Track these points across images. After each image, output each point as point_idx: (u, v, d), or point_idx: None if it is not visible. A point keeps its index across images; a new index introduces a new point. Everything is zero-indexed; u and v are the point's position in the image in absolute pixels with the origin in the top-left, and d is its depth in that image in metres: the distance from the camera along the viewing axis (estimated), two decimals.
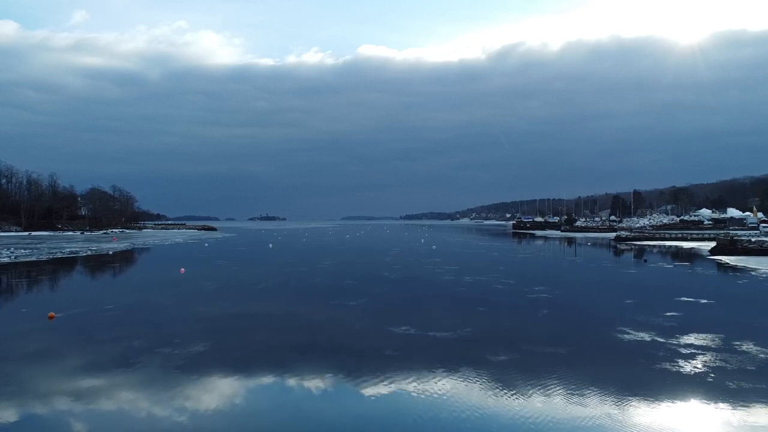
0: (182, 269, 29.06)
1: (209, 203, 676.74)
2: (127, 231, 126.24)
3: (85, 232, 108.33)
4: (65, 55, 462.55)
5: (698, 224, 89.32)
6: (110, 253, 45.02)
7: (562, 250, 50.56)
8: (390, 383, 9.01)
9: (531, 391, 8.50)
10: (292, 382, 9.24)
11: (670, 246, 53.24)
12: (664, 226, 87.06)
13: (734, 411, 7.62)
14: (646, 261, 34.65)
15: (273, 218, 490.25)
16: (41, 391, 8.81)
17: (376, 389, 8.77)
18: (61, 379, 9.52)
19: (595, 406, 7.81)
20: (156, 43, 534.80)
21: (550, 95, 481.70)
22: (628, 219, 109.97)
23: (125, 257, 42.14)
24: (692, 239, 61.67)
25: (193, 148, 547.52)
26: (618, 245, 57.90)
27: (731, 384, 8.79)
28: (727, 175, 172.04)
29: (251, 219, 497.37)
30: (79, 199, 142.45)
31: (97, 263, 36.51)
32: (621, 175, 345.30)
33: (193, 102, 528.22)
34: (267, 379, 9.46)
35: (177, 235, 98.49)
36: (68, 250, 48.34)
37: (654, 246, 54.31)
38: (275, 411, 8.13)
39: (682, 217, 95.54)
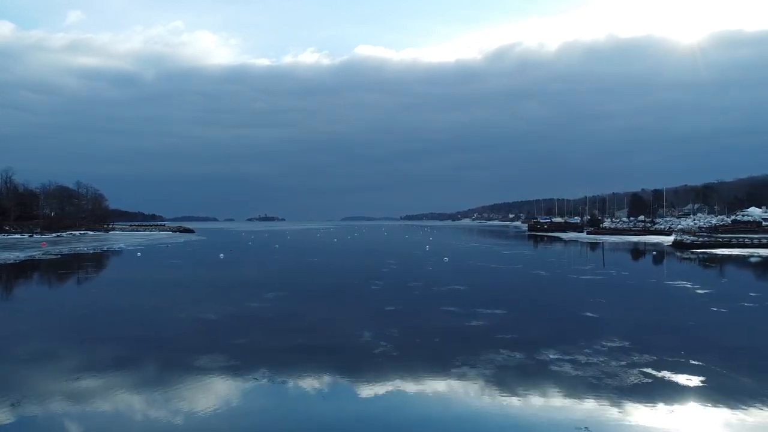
0: None
1: (209, 204, 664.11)
2: (91, 233, 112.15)
3: (35, 235, 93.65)
4: (61, 55, 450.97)
5: (757, 225, 74.26)
6: None
7: (633, 265, 35.57)
8: None
9: None
10: None
11: None
12: (718, 228, 71.92)
13: None
14: None
15: (272, 219, 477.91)
16: None
17: None
18: None
19: None
20: (152, 43, 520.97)
21: (548, 96, 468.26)
22: (663, 219, 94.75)
23: None
24: None
25: (192, 149, 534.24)
26: (684, 254, 43.18)
27: None
28: (734, 175, 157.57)
29: (250, 220, 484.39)
30: (41, 197, 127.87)
31: None
32: (622, 175, 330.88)
33: (191, 102, 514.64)
34: None
35: (137, 238, 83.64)
36: None
37: (741, 256, 39.42)
38: None
39: (734, 218, 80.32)
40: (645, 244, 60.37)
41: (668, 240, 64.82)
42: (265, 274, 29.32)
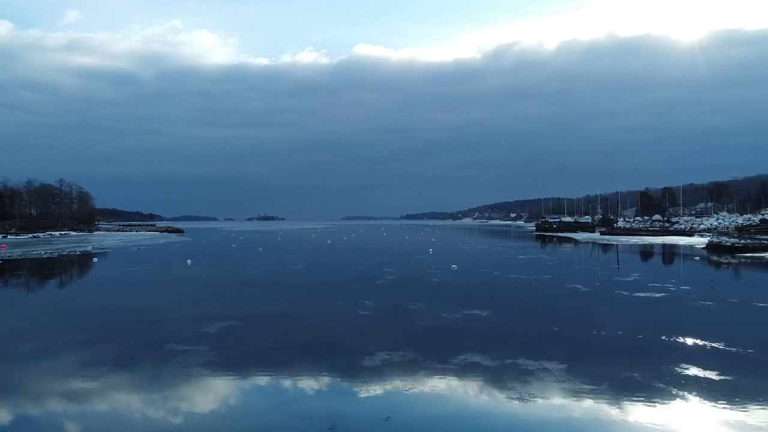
0: None
1: (210, 204, 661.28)
2: (74, 233, 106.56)
3: (9, 236, 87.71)
4: (59, 54, 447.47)
5: None
6: None
7: (684, 276, 29.37)
8: None
9: None
10: None
11: None
12: (750, 229, 65.62)
13: None
14: None
15: (272, 218, 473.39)
16: None
17: None
18: None
19: None
20: (150, 42, 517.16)
21: (546, 95, 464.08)
22: (682, 219, 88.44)
23: None
24: None
25: (191, 149, 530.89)
26: (723, 258, 37.17)
27: None
28: (738, 173, 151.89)
29: (249, 219, 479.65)
30: (24, 195, 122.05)
31: None
32: (623, 174, 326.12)
33: (189, 102, 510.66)
34: None
35: (115, 239, 77.63)
36: None
37: None
38: None
39: (761, 217, 74.06)
40: (672, 246, 54.20)
41: (695, 241, 58.69)
42: (220, 290, 23.07)
